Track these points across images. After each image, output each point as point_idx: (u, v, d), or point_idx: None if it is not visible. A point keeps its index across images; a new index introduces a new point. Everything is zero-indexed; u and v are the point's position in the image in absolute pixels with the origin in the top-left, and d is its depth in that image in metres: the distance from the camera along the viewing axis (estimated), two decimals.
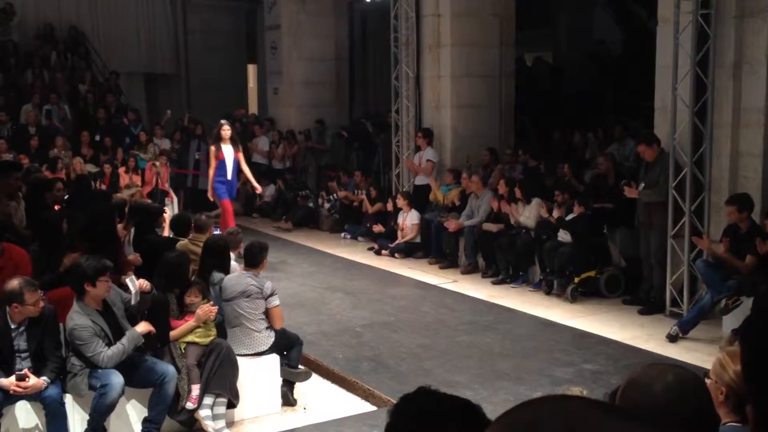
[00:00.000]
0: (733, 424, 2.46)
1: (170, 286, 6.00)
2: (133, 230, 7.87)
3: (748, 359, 1.17)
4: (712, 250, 7.62)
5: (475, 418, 1.70)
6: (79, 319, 5.29)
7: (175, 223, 8.22)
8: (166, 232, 8.34)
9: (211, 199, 11.05)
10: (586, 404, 0.76)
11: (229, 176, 10.89)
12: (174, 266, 6.06)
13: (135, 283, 5.65)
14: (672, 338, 7.47)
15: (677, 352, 7.13)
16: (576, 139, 12.53)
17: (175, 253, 6.41)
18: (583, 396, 0.81)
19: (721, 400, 2.55)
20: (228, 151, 10.83)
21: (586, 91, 15.84)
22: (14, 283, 5.12)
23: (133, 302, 5.56)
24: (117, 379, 5.28)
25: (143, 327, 5.51)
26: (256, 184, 11.60)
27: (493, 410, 0.85)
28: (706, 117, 8.01)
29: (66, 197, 9.49)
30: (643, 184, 8.43)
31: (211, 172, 10.88)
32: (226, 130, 10.85)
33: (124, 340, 5.37)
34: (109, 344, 5.34)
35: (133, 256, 6.98)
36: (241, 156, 11.08)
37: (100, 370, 5.30)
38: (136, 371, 5.45)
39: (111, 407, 5.33)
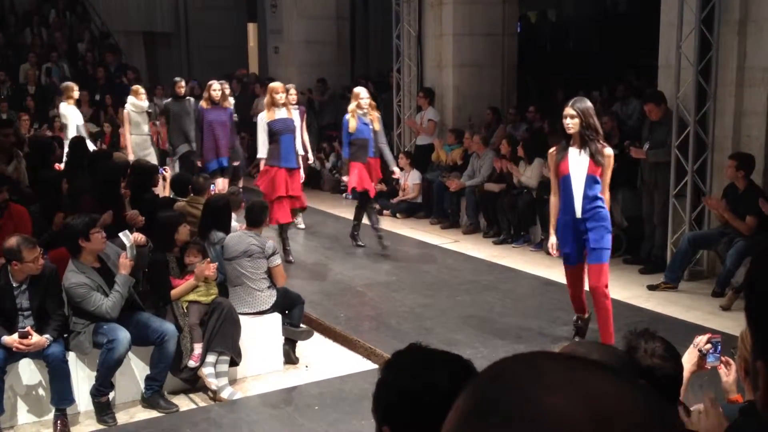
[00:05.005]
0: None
1: (161, 246, 5.99)
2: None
3: (755, 313, 1.10)
4: (719, 209, 7.58)
5: (465, 371, 1.71)
6: (74, 278, 5.31)
7: (175, 183, 8.20)
8: (167, 192, 8.32)
9: (555, 253, 6.05)
10: (552, 356, 0.77)
11: (579, 213, 5.81)
12: (162, 226, 6.05)
13: (129, 237, 5.64)
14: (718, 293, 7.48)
15: (677, 311, 7.15)
16: None
17: (166, 213, 6.37)
18: (551, 351, 0.83)
19: (743, 376, 2.51)
20: (578, 164, 5.80)
21: (590, 49, 15.68)
22: (12, 240, 5.12)
23: (129, 256, 5.54)
24: (124, 333, 5.32)
25: (125, 267, 5.46)
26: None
27: None
28: (711, 75, 7.93)
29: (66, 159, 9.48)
30: (648, 144, 8.38)
31: (554, 212, 6.01)
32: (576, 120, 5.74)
33: (116, 287, 5.40)
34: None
35: (133, 213, 6.95)
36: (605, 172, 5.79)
37: (105, 326, 5.33)
38: (133, 329, 5.46)
39: (119, 362, 5.37)
